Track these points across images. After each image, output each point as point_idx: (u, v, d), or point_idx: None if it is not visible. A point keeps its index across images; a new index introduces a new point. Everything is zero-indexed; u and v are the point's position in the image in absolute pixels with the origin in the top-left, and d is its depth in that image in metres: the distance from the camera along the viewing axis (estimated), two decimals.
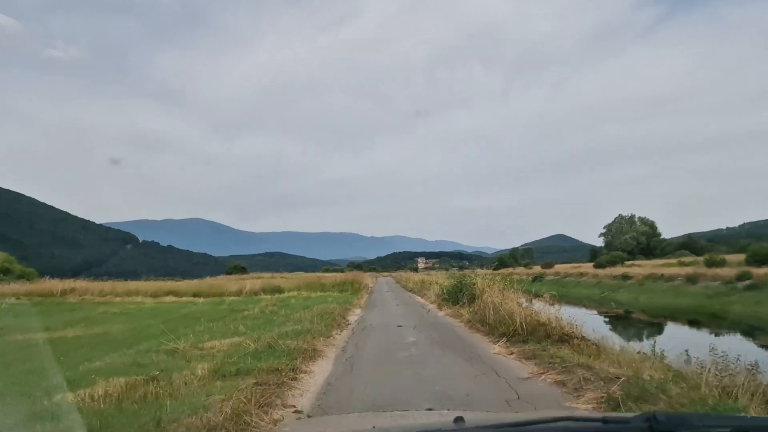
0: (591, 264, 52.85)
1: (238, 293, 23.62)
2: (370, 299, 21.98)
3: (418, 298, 22.38)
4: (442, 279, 23.00)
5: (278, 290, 24.42)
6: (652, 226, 75.79)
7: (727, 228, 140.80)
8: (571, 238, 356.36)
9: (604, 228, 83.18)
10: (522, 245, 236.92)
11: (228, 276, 44.49)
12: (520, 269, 69.21)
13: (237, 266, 59.33)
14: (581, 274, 37.95)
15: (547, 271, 52.72)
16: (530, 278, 46.54)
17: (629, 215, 79.11)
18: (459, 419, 1.48)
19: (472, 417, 1.55)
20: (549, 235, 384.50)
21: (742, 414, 3.46)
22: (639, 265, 38.71)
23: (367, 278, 41.44)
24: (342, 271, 72.53)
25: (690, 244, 67.16)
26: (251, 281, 24.99)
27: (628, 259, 53.82)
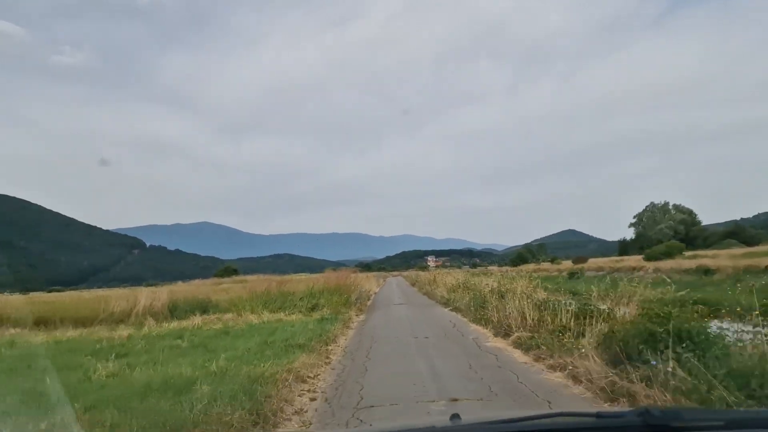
0: (638, 257, 45.64)
1: (121, 317, 14.29)
2: (356, 357, 8.07)
3: (507, 352, 7.89)
4: (523, 281, 11.28)
5: (204, 307, 14.97)
6: (690, 213, 68.17)
7: (742, 218, 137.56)
8: (581, 232, 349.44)
9: (634, 218, 75.80)
10: (533, 241, 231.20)
11: (204, 280, 38.41)
12: (546, 265, 62.30)
13: (228, 268, 53.42)
14: (633, 269, 31.06)
15: (584, 266, 45.73)
16: (565, 275, 40.15)
17: (662, 203, 71.56)
18: (455, 416, 1.51)
19: (468, 414, 1.63)
20: (559, 230, 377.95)
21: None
22: (708, 256, 31.69)
23: (371, 280, 32.65)
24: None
25: (738, 233, 59.72)
26: (148, 294, 16.03)
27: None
